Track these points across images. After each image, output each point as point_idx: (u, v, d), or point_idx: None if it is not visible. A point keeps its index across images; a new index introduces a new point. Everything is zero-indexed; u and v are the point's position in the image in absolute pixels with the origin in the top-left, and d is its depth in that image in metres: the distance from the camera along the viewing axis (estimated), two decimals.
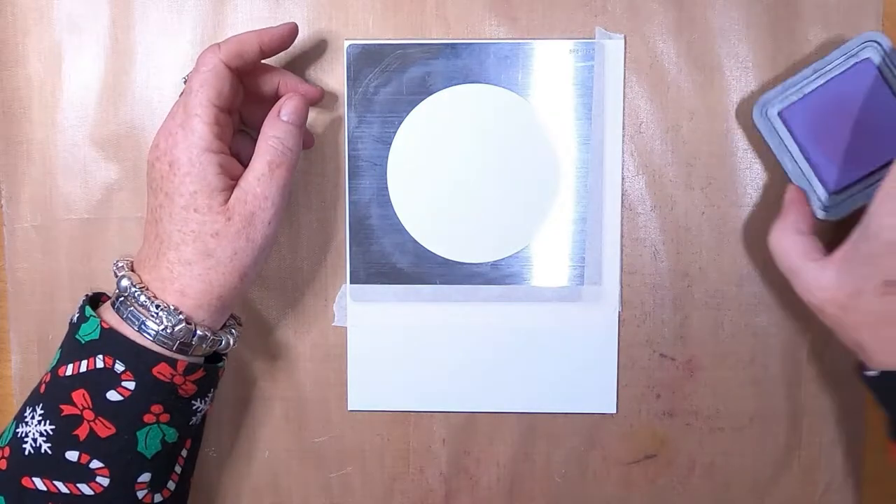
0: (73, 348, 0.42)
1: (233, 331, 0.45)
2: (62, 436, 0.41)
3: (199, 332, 0.42)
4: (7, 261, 0.51)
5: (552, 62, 0.49)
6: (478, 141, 0.50)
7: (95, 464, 0.41)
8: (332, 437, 0.52)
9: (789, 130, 0.46)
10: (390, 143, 0.50)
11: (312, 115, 0.50)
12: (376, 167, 0.50)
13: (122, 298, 0.42)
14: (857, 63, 0.45)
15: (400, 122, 0.49)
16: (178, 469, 0.44)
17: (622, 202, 0.50)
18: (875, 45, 0.44)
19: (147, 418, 0.41)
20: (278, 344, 0.51)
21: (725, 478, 0.51)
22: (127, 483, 0.42)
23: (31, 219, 0.51)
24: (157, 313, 0.41)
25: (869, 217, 0.40)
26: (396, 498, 0.52)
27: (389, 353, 0.51)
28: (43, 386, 0.42)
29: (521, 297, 0.50)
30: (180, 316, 0.41)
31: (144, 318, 0.41)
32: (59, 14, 0.50)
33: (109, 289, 0.44)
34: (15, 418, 0.43)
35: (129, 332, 0.41)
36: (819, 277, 0.42)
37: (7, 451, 0.42)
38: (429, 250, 0.50)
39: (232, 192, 0.42)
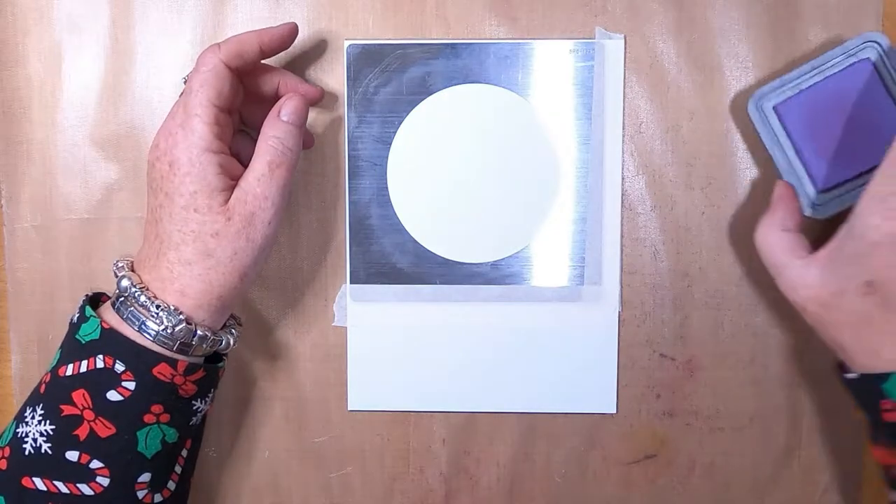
0: (73, 348, 0.42)
1: (233, 331, 0.45)
2: (62, 436, 0.41)
3: (199, 332, 0.42)
4: (7, 261, 0.51)
5: (552, 62, 0.49)
6: (478, 141, 0.50)
7: (95, 464, 0.41)
8: (332, 437, 0.52)
9: (783, 125, 0.46)
10: (390, 143, 0.50)
11: (312, 115, 0.50)
12: (376, 167, 0.50)
13: (122, 298, 0.42)
14: (855, 63, 0.45)
15: (400, 122, 0.49)
16: (178, 469, 0.44)
17: (622, 202, 0.50)
18: (875, 45, 0.44)
19: (147, 418, 0.41)
20: (278, 344, 0.51)
21: (725, 478, 0.51)
22: (127, 483, 0.42)
23: (31, 219, 0.51)
24: (157, 313, 0.41)
25: (854, 217, 0.40)
26: (396, 498, 0.52)
27: (389, 353, 0.51)
28: (43, 386, 0.42)
29: (521, 297, 0.50)
30: (180, 316, 0.41)
31: (145, 319, 0.41)
32: (59, 14, 0.50)
33: (109, 289, 0.44)
34: (15, 418, 0.43)
35: (129, 332, 0.41)
36: (803, 275, 0.42)
37: (7, 451, 0.42)
38: (429, 250, 0.50)
39: (232, 193, 0.42)
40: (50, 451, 0.41)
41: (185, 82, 0.44)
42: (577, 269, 0.50)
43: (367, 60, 0.49)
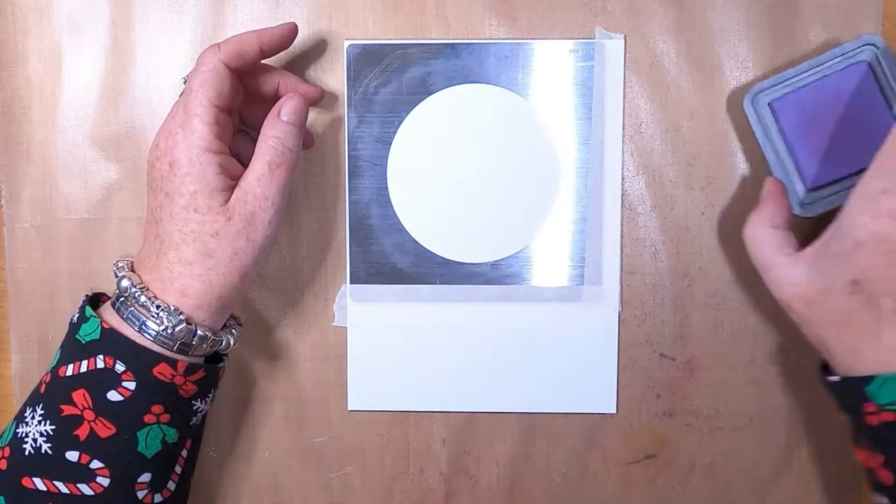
0: (73, 348, 0.42)
1: (233, 331, 0.45)
2: (62, 436, 0.41)
3: (199, 332, 0.42)
4: (7, 261, 0.51)
5: (552, 62, 0.49)
6: (478, 141, 0.50)
7: (96, 464, 0.41)
8: (332, 437, 0.52)
9: (777, 122, 0.46)
10: (390, 143, 0.50)
11: (312, 115, 0.50)
12: (376, 167, 0.50)
13: (122, 299, 0.42)
14: (852, 64, 0.45)
15: (400, 122, 0.49)
16: (178, 469, 0.44)
17: (622, 202, 0.50)
18: (872, 48, 0.44)
19: (147, 418, 0.41)
20: (278, 344, 0.51)
21: (725, 478, 0.51)
22: (127, 483, 0.42)
23: (31, 219, 0.51)
24: (157, 313, 0.41)
25: (843, 215, 0.40)
26: (396, 498, 0.52)
27: (389, 353, 0.51)
28: (43, 386, 0.42)
29: (521, 297, 0.50)
30: (181, 316, 0.41)
31: (145, 319, 0.41)
32: (59, 14, 0.50)
33: (109, 289, 0.44)
34: (15, 418, 0.43)
35: (129, 332, 0.41)
36: (790, 273, 0.42)
37: (7, 451, 0.42)
38: (429, 250, 0.50)
39: (232, 193, 0.42)
40: (50, 451, 0.41)
41: (184, 82, 0.44)
42: (577, 269, 0.50)
43: (367, 60, 0.49)
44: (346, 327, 0.51)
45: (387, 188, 0.50)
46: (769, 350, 0.50)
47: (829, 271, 0.40)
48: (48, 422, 0.41)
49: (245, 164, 0.44)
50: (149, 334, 0.41)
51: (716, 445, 0.51)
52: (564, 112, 0.49)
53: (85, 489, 0.41)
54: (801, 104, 0.46)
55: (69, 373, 0.41)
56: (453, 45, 0.49)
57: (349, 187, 0.50)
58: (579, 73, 0.49)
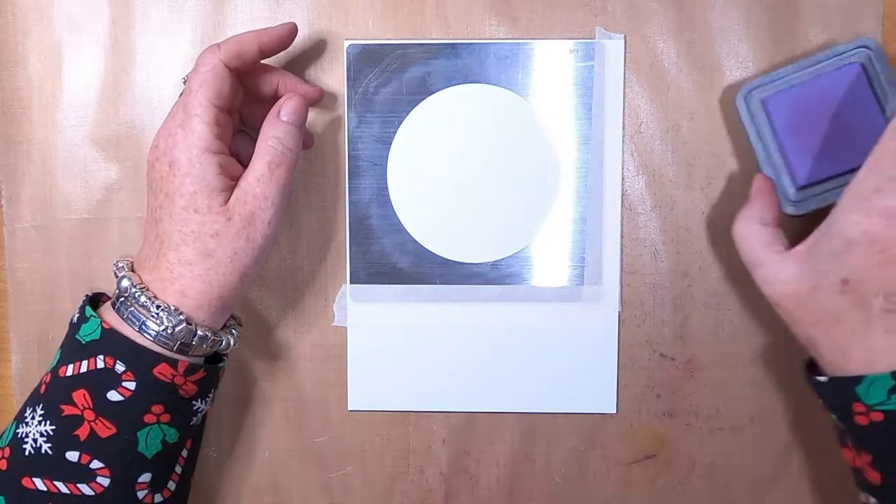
0: (73, 348, 0.42)
1: (233, 331, 0.45)
2: (62, 436, 0.41)
3: (199, 332, 0.42)
4: (7, 261, 0.51)
5: (552, 62, 0.49)
6: (478, 141, 0.50)
7: (96, 464, 0.41)
8: (332, 437, 0.52)
9: (769, 119, 0.46)
10: (390, 143, 0.50)
11: (312, 115, 0.50)
12: (376, 167, 0.50)
13: (122, 299, 0.42)
14: (846, 65, 0.45)
15: (400, 122, 0.49)
16: (178, 469, 0.44)
17: (622, 202, 0.50)
18: (866, 50, 0.45)
19: (147, 418, 0.41)
20: (278, 344, 0.51)
21: (725, 478, 0.51)
22: (127, 483, 0.42)
23: (31, 219, 0.51)
24: (157, 314, 0.41)
25: (835, 213, 0.39)
26: (396, 498, 0.52)
27: (389, 353, 0.51)
28: (43, 386, 0.42)
29: (521, 297, 0.50)
30: (181, 316, 0.41)
31: (145, 319, 0.41)
32: (59, 14, 0.50)
33: (109, 289, 0.44)
34: (15, 419, 0.43)
35: (129, 332, 0.41)
36: (779, 270, 0.41)
37: (7, 451, 0.42)
38: (429, 250, 0.50)
39: (232, 193, 0.42)
40: (50, 452, 0.41)
41: (184, 82, 0.44)
42: (577, 269, 0.50)
43: (367, 60, 0.49)
44: (346, 327, 0.51)
45: (387, 188, 0.50)
46: (769, 350, 0.50)
47: (820, 269, 0.39)
48: (48, 422, 0.41)
49: (245, 164, 0.44)
50: (149, 334, 0.41)
51: (716, 445, 0.51)
52: (564, 112, 0.49)
53: (85, 489, 0.41)
54: (794, 103, 0.46)
55: (69, 373, 0.41)
56: (453, 45, 0.49)
57: (349, 187, 0.50)
58: (579, 73, 0.49)
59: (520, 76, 0.49)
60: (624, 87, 0.49)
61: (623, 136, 0.49)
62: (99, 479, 0.41)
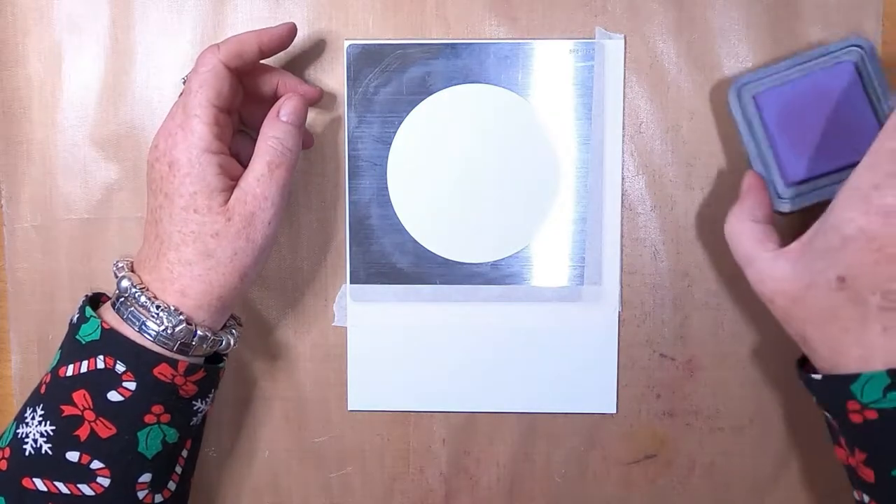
0: (73, 349, 0.42)
1: (233, 331, 0.45)
2: (63, 436, 0.41)
3: (199, 332, 0.42)
4: (7, 261, 0.51)
5: (552, 62, 0.49)
6: (478, 141, 0.49)
7: (96, 464, 0.41)
8: (332, 437, 0.52)
9: (760, 115, 0.46)
10: (390, 143, 0.50)
11: (312, 115, 0.50)
12: (376, 167, 0.50)
13: (122, 299, 0.42)
14: (839, 63, 0.45)
15: (400, 122, 0.49)
16: (178, 469, 0.44)
17: (622, 202, 0.50)
18: (859, 49, 0.44)
19: (148, 419, 0.41)
20: (278, 344, 0.51)
21: (725, 478, 0.51)
22: (128, 483, 0.42)
23: (31, 219, 0.51)
24: (157, 314, 0.41)
25: (831, 209, 0.39)
26: (396, 498, 0.52)
27: (389, 353, 0.51)
28: (43, 386, 0.42)
29: (521, 297, 0.50)
30: (181, 316, 0.41)
31: (145, 319, 0.41)
32: (59, 14, 0.50)
33: (109, 289, 0.44)
34: (15, 419, 0.43)
35: (129, 332, 0.41)
36: (773, 267, 0.41)
37: (7, 451, 0.42)
38: (429, 250, 0.50)
39: (232, 193, 0.42)
40: (50, 452, 0.41)
41: (184, 82, 0.44)
42: (577, 269, 0.50)
43: (367, 60, 0.49)
44: (346, 327, 0.51)
45: (387, 188, 0.50)
46: (769, 350, 0.50)
47: (815, 267, 0.39)
48: (48, 422, 0.41)
49: (245, 164, 0.44)
50: (149, 335, 0.41)
51: (716, 445, 0.51)
52: (564, 112, 0.49)
53: (85, 489, 0.41)
54: (786, 99, 0.45)
55: (69, 373, 0.41)
56: (453, 45, 0.49)
57: (349, 187, 0.50)
58: (579, 73, 0.49)
59: (520, 76, 0.49)
60: (624, 87, 0.49)
61: (623, 136, 0.49)
62: (99, 480, 0.41)
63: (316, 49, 0.50)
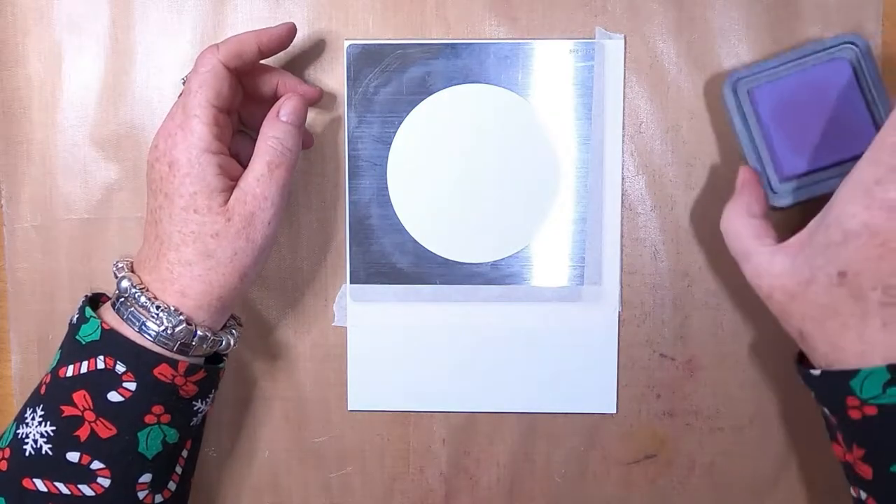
0: (73, 349, 0.42)
1: (233, 331, 0.45)
2: (63, 437, 0.41)
3: (199, 332, 0.42)
4: (7, 261, 0.51)
5: (552, 62, 0.49)
6: (478, 141, 0.49)
7: (96, 465, 0.41)
8: (332, 437, 0.52)
9: (755, 110, 0.46)
10: (390, 143, 0.50)
11: (312, 115, 0.50)
12: (376, 167, 0.50)
13: (122, 299, 0.42)
14: (835, 60, 0.45)
15: (400, 122, 0.49)
16: (178, 469, 0.44)
17: (622, 202, 0.50)
18: (854, 47, 0.44)
19: (148, 419, 0.41)
20: (278, 344, 0.51)
21: (725, 478, 0.51)
22: (128, 484, 0.42)
23: (31, 219, 0.51)
24: (157, 314, 0.41)
25: (832, 204, 0.39)
26: (396, 498, 0.52)
27: (389, 353, 0.51)
28: (43, 387, 0.42)
29: (521, 297, 0.50)
30: (180, 317, 0.41)
31: (145, 319, 0.41)
32: (59, 14, 0.50)
33: (109, 289, 0.44)
34: (15, 419, 0.43)
35: (129, 332, 0.41)
36: (771, 263, 0.41)
37: (7, 452, 0.42)
38: (429, 250, 0.50)
39: (232, 193, 0.42)
40: (50, 452, 0.41)
41: (184, 83, 0.44)
42: (577, 269, 0.50)
43: (367, 60, 0.49)
44: (346, 327, 0.51)
45: (387, 188, 0.50)
46: (770, 350, 0.50)
47: (815, 262, 0.39)
48: (48, 423, 0.41)
49: (244, 164, 0.44)
50: (149, 335, 0.41)
51: (716, 445, 0.51)
52: (564, 112, 0.49)
53: (86, 490, 0.41)
54: (781, 94, 0.45)
55: (69, 374, 0.41)
56: (453, 45, 0.49)
57: (349, 187, 0.50)
58: (579, 73, 0.49)
59: (520, 76, 0.49)
60: (624, 87, 0.49)
61: (623, 136, 0.49)
62: (99, 480, 0.41)
63: (316, 49, 0.49)
